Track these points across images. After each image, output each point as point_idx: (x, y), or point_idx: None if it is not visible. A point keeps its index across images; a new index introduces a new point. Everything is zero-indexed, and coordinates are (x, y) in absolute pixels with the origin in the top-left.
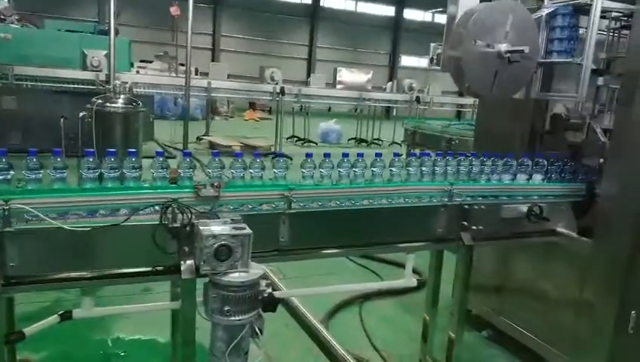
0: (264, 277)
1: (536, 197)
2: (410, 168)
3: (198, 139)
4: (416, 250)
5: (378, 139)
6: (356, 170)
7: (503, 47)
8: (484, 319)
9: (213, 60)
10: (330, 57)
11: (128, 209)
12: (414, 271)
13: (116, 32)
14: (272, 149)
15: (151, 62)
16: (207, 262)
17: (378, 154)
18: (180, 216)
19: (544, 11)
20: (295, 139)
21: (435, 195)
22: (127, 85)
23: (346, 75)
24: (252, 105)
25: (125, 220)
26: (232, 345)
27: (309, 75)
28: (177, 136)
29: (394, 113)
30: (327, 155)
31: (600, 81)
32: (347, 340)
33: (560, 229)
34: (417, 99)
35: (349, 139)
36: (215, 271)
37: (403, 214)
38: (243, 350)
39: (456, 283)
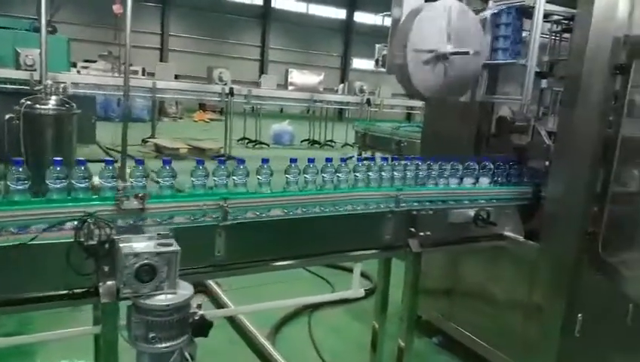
0: (194, 297)
1: (483, 201)
2: (356, 174)
3: (144, 141)
4: (364, 259)
5: (331, 141)
6: (307, 176)
7: (448, 48)
8: (435, 325)
9: (161, 60)
10: (282, 58)
11: (45, 224)
12: (365, 277)
13: (53, 30)
14: (222, 152)
15: (95, 61)
16: (127, 284)
17: (328, 160)
18: (97, 231)
19: (488, 12)
20: (246, 141)
21: (381, 201)
22: (61, 86)
23: (297, 76)
24: (202, 107)
25: (32, 239)
26: None
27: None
28: (120, 138)
29: (347, 115)
30: (264, 161)
31: (544, 83)
32: (295, 354)
33: (507, 233)
34: (368, 102)
35: (301, 141)
36: (137, 293)
37: (350, 222)
38: None
39: (404, 291)
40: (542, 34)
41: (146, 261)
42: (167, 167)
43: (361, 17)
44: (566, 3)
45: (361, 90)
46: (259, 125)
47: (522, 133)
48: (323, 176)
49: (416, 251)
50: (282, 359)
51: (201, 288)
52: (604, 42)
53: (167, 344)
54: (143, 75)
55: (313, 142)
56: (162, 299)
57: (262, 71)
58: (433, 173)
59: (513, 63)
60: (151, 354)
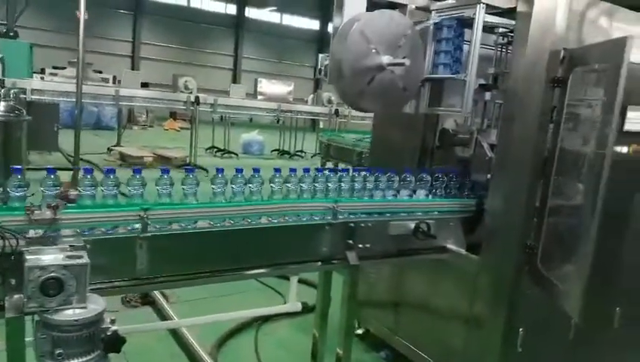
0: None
1: (420, 214)
2: (288, 184)
3: (109, 149)
4: (302, 271)
5: (301, 151)
6: (251, 186)
7: (384, 59)
8: (383, 339)
9: (132, 68)
10: (255, 68)
11: None
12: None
13: (15, 35)
14: (188, 160)
15: (64, 68)
16: (33, 298)
17: (256, 170)
18: (2, 243)
19: (429, 22)
20: (215, 150)
21: (318, 213)
22: (12, 92)
23: (266, 85)
24: (173, 115)
25: None
26: None
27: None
28: (85, 147)
29: (320, 125)
30: (189, 170)
31: (487, 96)
32: None
33: (449, 246)
34: (336, 112)
35: (271, 151)
36: (43, 307)
37: (286, 234)
38: None
39: (342, 304)
40: (488, 46)
41: (52, 274)
42: (112, 176)
43: None
44: (509, 15)
45: (329, 101)
46: (227, 134)
47: (465, 146)
48: (250, 187)
49: (353, 263)
50: None
51: (148, 299)
52: (542, 56)
53: (76, 361)
54: (114, 82)
55: (283, 152)
56: (70, 314)
57: (235, 80)
58: (368, 185)
59: (453, 78)
60: None
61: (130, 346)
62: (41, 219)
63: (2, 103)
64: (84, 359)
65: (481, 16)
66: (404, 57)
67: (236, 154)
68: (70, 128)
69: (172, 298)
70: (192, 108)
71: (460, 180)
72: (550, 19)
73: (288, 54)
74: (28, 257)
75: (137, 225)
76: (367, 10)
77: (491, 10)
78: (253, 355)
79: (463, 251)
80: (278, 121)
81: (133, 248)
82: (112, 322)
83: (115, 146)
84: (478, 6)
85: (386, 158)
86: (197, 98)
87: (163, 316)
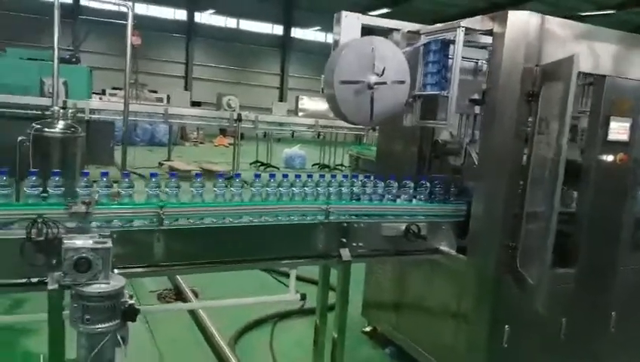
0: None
1: (407, 217)
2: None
3: (160, 164)
4: (299, 266)
5: (341, 165)
6: (252, 188)
7: (372, 79)
8: (387, 336)
9: (185, 88)
10: (301, 86)
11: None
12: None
13: (77, 60)
14: (231, 174)
15: (121, 89)
16: (68, 274)
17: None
18: (46, 230)
19: (418, 44)
20: (259, 164)
21: (310, 213)
22: (70, 111)
23: (307, 102)
24: (222, 132)
25: None
26: (94, 352)
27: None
28: (138, 161)
29: (364, 140)
30: (198, 175)
31: (477, 109)
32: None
33: (442, 247)
34: (374, 128)
35: (312, 165)
36: (76, 282)
37: (285, 232)
38: (106, 358)
39: (336, 297)
40: (483, 61)
41: (83, 254)
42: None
43: None
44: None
45: None
46: (270, 149)
47: (456, 155)
48: (251, 190)
49: (345, 259)
50: None
51: (180, 296)
52: (516, 72)
53: (100, 326)
54: (168, 102)
55: (323, 166)
56: (96, 288)
57: (281, 98)
58: (367, 189)
59: (438, 95)
60: (87, 334)
61: (165, 333)
62: (77, 212)
63: (61, 122)
64: (107, 324)
65: (460, 39)
66: (389, 78)
67: (278, 168)
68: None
69: (200, 295)
70: (234, 125)
71: (449, 187)
72: (523, 39)
73: None
74: (65, 241)
75: (155, 220)
76: (362, 35)
77: (470, 32)
78: (268, 350)
79: (453, 252)
80: (318, 136)
81: (152, 239)
82: (130, 297)
83: (165, 161)
84: (458, 29)
85: (390, 167)
86: (239, 115)
87: (191, 310)
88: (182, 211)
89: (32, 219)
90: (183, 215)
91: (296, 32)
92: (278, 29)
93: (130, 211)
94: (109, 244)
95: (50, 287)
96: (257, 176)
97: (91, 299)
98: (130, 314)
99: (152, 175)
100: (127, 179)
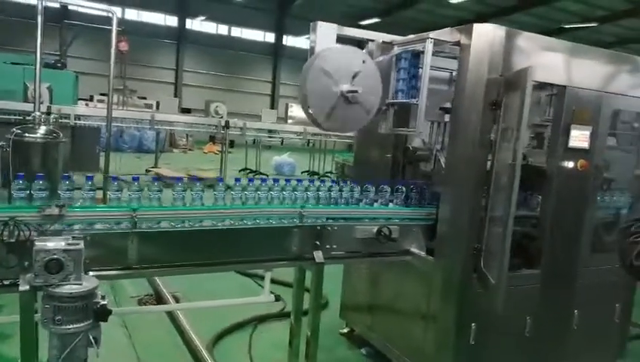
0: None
1: (382, 220)
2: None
3: (147, 171)
4: (274, 268)
5: (330, 172)
6: (215, 193)
7: (344, 87)
8: (364, 337)
9: (175, 95)
10: (292, 93)
11: None
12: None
13: (63, 65)
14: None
15: None
16: (39, 275)
17: (237, 180)
18: (17, 232)
19: (391, 54)
20: (247, 171)
21: (285, 217)
22: (51, 117)
23: (297, 110)
24: (212, 139)
25: None
26: (66, 352)
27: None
28: (126, 168)
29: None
30: (178, 180)
31: (446, 117)
32: None
33: (412, 249)
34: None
35: (302, 172)
36: (47, 283)
37: (260, 234)
38: (79, 358)
39: (310, 298)
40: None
41: (54, 256)
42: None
43: None
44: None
45: None
46: (259, 156)
47: (427, 162)
48: (231, 194)
49: (319, 261)
50: None
51: (160, 301)
52: (481, 82)
53: (72, 326)
54: (157, 108)
55: (312, 173)
56: (68, 289)
57: (272, 105)
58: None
59: (409, 103)
60: (59, 335)
61: (144, 338)
62: (50, 214)
63: (42, 127)
64: (79, 325)
65: (429, 49)
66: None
67: (267, 175)
68: (113, 151)
69: (182, 300)
70: (222, 132)
71: (417, 191)
72: (488, 50)
73: None
74: (37, 243)
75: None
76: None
77: (439, 43)
78: (247, 353)
79: (422, 253)
80: (307, 144)
81: (126, 242)
82: (103, 298)
83: (152, 168)
84: (427, 40)
85: (366, 172)
86: (227, 122)
87: (172, 314)
88: (156, 214)
89: (4, 221)
90: (157, 218)
91: (288, 40)
92: (269, 37)
93: (104, 214)
94: (81, 246)
95: (21, 289)
96: (238, 180)
97: (62, 299)
98: (102, 314)
99: (134, 178)
100: (115, 183)
